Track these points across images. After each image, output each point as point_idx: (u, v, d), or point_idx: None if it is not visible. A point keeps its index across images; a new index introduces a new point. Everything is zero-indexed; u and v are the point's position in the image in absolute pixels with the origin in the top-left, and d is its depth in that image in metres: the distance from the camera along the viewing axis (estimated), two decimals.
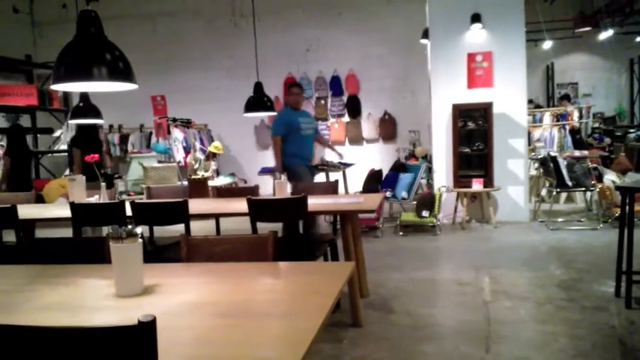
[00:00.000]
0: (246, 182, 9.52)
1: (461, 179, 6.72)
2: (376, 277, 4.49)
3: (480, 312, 3.67)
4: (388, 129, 9.66)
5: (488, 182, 6.63)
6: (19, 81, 10.25)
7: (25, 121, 10.34)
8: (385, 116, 9.67)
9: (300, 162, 5.53)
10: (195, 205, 3.80)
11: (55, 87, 2.09)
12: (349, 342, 3.26)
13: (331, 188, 4.67)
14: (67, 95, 10.47)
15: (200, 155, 9.14)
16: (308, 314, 1.54)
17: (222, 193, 5.16)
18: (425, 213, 6.34)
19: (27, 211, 4.12)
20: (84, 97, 4.51)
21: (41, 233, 4.53)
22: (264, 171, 8.32)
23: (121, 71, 2.05)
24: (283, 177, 4.37)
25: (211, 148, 9.14)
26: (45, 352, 1.21)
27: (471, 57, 6.86)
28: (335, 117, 9.88)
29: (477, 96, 6.79)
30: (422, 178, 7.12)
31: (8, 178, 6.33)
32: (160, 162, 8.96)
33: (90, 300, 1.80)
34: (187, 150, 9.16)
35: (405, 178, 6.77)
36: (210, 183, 8.53)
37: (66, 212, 3.93)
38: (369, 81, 9.64)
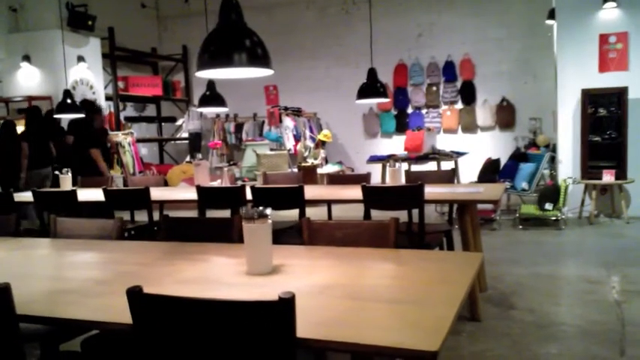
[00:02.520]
0: (353, 170, 9.54)
1: (590, 170, 6.25)
2: (494, 271, 4.29)
3: (611, 312, 3.40)
4: (506, 116, 9.17)
5: (621, 174, 6.10)
6: (145, 72, 11.03)
7: (150, 110, 11.17)
8: (503, 102, 9.19)
9: None
10: (308, 191, 3.85)
11: (199, 74, 2.17)
12: (468, 336, 3.15)
13: (446, 177, 4.52)
14: (188, 86, 11.12)
15: (310, 143, 9.30)
16: (440, 303, 1.49)
17: (334, 180, 5.20)
18: (548, 206, 5.94)
19: (156, 193, 4.41)
20: (210, 86, 4.73)
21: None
22: (373, 159, 8.28)
23: (260, 57, 2.09)
24: (397, 164, 4.29)
25: (321, 137, 9.25)
26: (195, 320, 1.28)
27: (604, 38, 6.31)
28: (447, 104, 9.55)
29: (609, 80, 6.25)
30: (544, 169, 6.69)
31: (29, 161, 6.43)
32: (272, 149, 9.23)
33: (223, 276, 1.88)
34: (297, 138, 9.35)
35: (525, 168, 6.39)
36: (319, 171, 8.66)
37: (191, 195, 4.17)
38: (485, 66, 9.20)
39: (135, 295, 1.27)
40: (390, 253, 2.13)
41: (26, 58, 8.18)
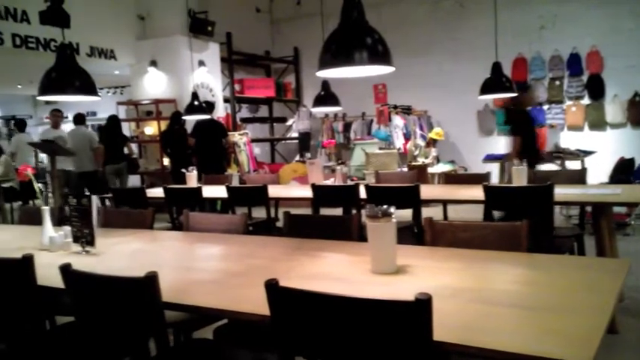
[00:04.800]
0: (466, 170, 9.20)
1: None
2: (631, 280, 3.88)
3: None
4: (639, 112, 8.37)
5: None
6: (259, 75, 11.44)
7: (263, 111, 11.58)
8: (636, 98, 8.37)
9: None
10: (423, 191, 3.77)
11: (320, 73, 2.19)
12: (603, 349, 2.88)
13: (576, 177, 4.22)
14: (299, 87, 11.38)
15: (420, 142, 9.11)
16: (584, 311, 1.39)
17: (450, 179, 5.05)
18: None
19: (272, 190, 4.54)
20: (325, 86, 4.79)
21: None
22: (490, 158, 7.93)
23: (382, 54, 2.06)
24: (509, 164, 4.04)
25: (432, 135, 9.03)
26: (330, 315, 1.28)
27: None
28: (572, 99, 8.88)
29: None
30: None
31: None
32: (380, 148, 9.17)
33: (348, 273, 1.87)
34: (407, 137, 9.21)
35: None
36: (430, 170, 8.46)
37: (304, 192, 4.26)
38: (615, 58, 8.43)
39: (272, 287, 1.30)
40: (522, 257, 2.00)
41: (153, 63, 8.81)
